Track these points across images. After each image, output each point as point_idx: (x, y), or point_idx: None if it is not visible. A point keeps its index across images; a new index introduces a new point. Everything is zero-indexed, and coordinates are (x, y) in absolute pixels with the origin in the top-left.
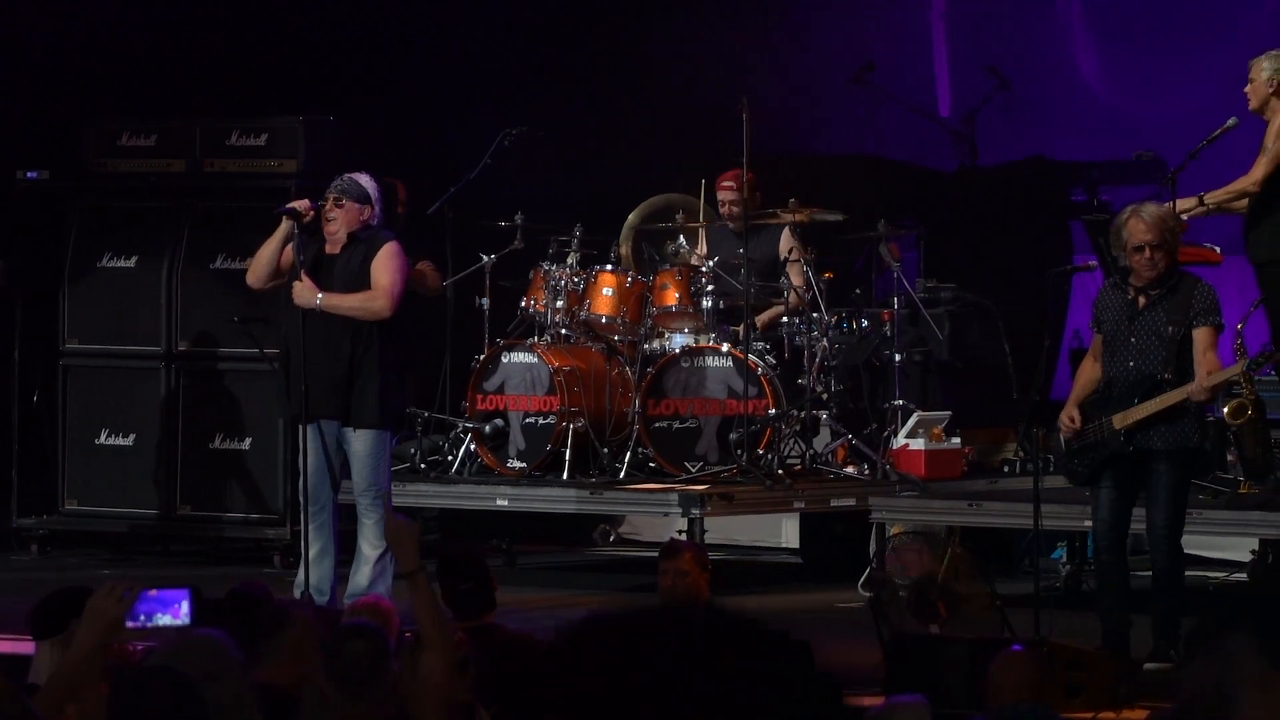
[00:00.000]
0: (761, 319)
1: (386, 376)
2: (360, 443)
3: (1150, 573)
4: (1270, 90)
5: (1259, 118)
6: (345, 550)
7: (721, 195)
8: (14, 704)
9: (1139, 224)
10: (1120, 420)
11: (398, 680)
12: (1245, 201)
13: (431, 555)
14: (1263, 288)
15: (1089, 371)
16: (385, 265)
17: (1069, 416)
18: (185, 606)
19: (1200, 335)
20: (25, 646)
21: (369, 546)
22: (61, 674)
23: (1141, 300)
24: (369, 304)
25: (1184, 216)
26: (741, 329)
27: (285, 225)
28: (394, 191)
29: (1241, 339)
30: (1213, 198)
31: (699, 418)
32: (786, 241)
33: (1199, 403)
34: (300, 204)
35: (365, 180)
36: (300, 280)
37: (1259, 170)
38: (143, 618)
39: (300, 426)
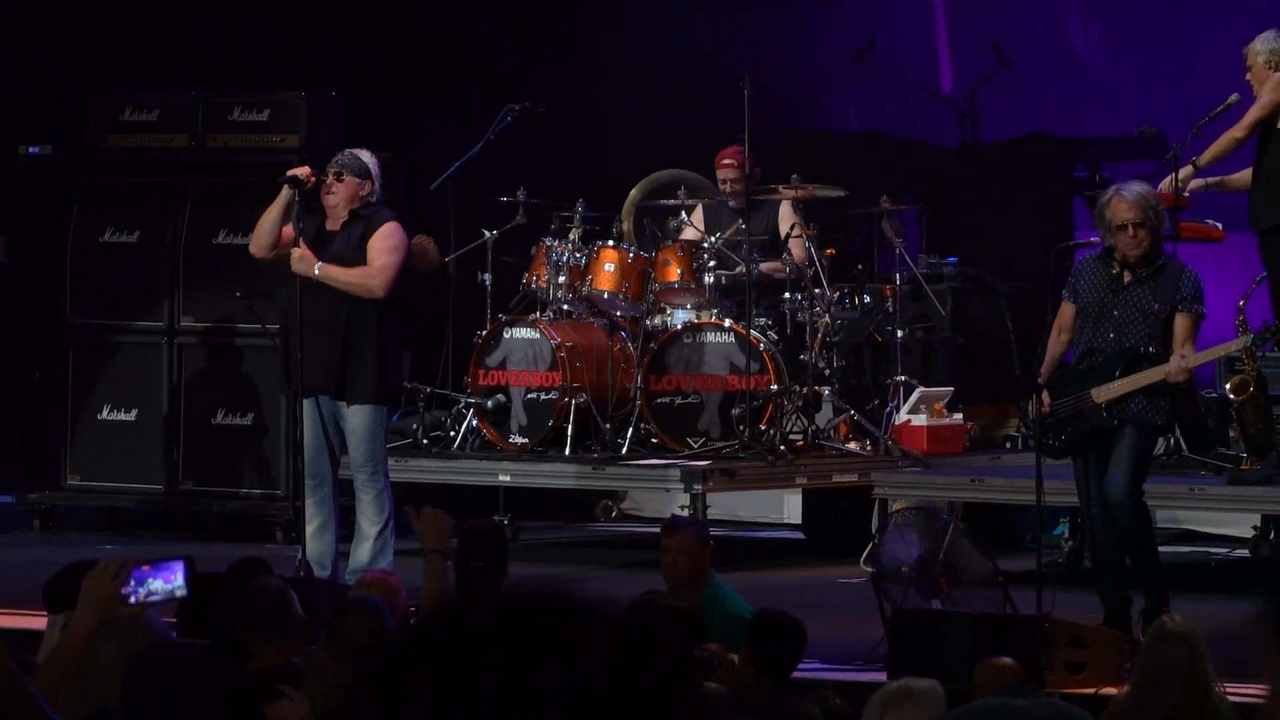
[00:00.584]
0: (768, 266)
1: (384, 352)
2: (356, 418)
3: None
4: (1270, 70)
5: None
6: (348, 525)
7: (721, 173)
8: (14, 688)
9: (1121, 203)
10: (1101, 394)
11: None
12: (1246, 177)
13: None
14: (1263, 255)
15: (1055, 346)
16: (383, 245)
17: (1039, 399)
18: (180, 576)
19: (1182, 321)
20: (30, 622)
21: (368, 522)
22: (61, 653)
23: (1127, 276)
24: (365, 282)
25: (1186, 193)
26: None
27: (286, 193)
28: (390, 166)
29: (1243, 315)
30: (1204, 158)
31: (701, 393)
32: (788, 217)
33: (1174, 384)
34: (301, 171)
35: (365, 155)
36: (299, 248)
37: (1249, 116)
38: (140, 590)
39: (297, 400)
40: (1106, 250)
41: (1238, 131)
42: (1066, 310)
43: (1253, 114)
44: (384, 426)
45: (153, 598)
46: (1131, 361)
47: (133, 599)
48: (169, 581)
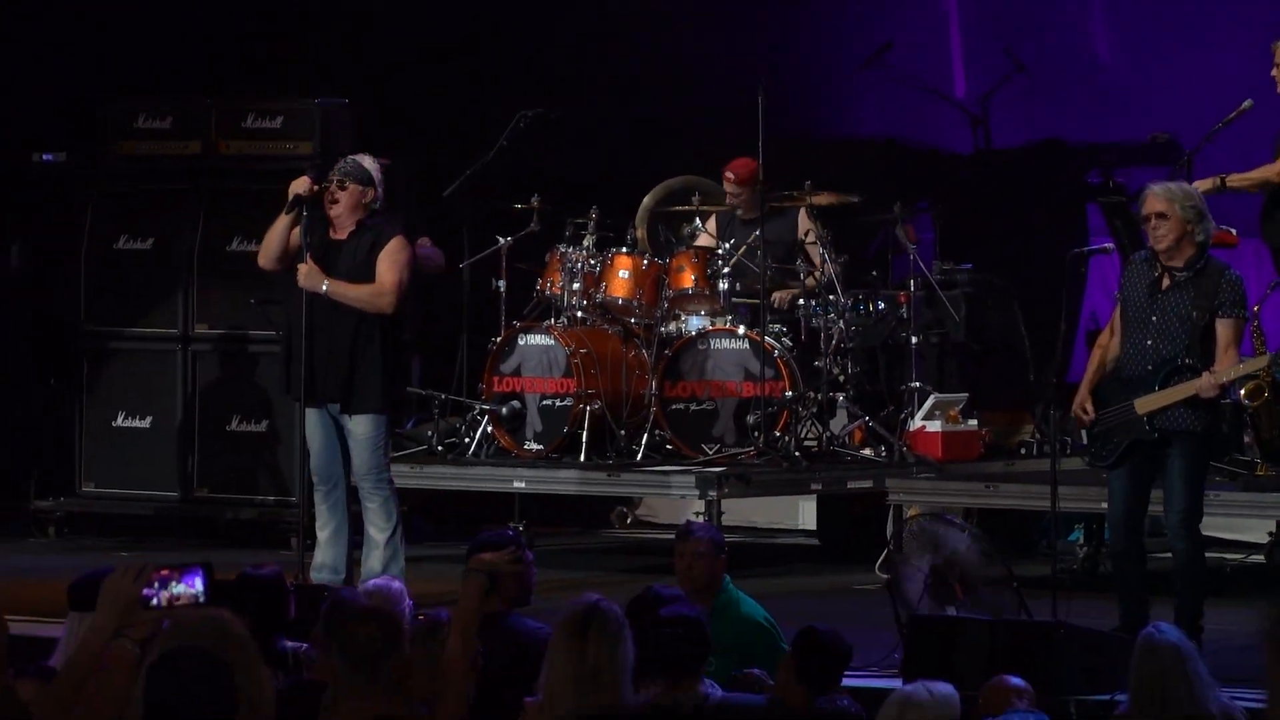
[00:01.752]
0: (778, 297)
1: (388, 363)
2: (360, 426)
3: (1169, 554)
4: None
5: None
6: (361, 530)
7: (726, 186)
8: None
9: (1151, 195)
10: (1142, 405)
11: (409, 663)
12: (1259, 175)
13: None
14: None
15: (1105, 349)
16: (392, 261)
17: (1082, 408)
18: (200, 583)
19: (1225, 328)
20: (48, 630)
21: (376, 530)
22: (81, 657)
23: (1166, 280)
24: (375, 300)
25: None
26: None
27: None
28: (391, 171)
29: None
30: (1234, 181)
31: (716, 400)
32: (804, 224)
33: (1207, 399)
34: (301, 185)
35: (368, 162)
36: (306, 263)
37: None
38: (161, 594)
39: (300, 408)
40: (1153, 251)
41: (1275, 176)
42: (1118, 313)
43: None
44: (388, 433)
45: (173, 603)
46: (1171, 372)
47: (154, 602)
48: (189, 587)
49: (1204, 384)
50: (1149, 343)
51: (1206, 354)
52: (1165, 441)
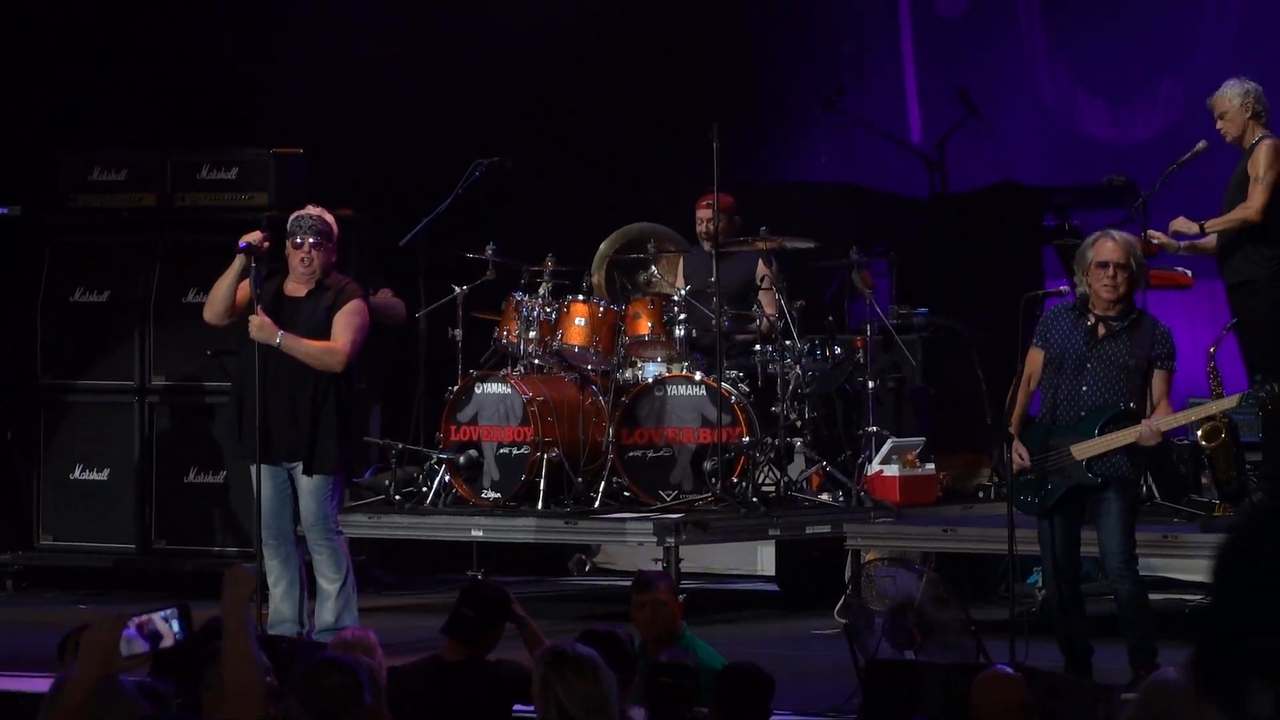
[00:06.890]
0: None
1: (343, 423)
2: (311, 481)
3: (1112, 596)
4: (1247, 115)
5: (1238, 147)
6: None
7: (700, 214)
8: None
9: (1109, 242)
10: (1081, 451)
11: (373, 714)
12: (1214, 240)
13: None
14: (1234, 309)
15: (1025, 395)
16: (348, 323)
17: (1018, 454)
18: (176, 624)
19: (1160, 379)
20: (13, 683)
21: (326, 581)
22: (64, 711)
23: (1101, 329)
24: (326, 357)
25: (1154, 241)
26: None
27: (240, 259)
28: (355, 222)
29: (1214, 362)
30: (1213, 225)
31: (673, 446)
32: (760, 269)
33: (1145, 446)
34: (254, 236)
35: (328, 216)
36: (258, 315)
37: (1257, 199)
38: (139, 641)
39: (253, 466)
40: (1081, 299)
41: (1253, 215)
42: (1036, 357)
43: (1261, 197)
44: (338, 486)
45: (153, 644)
46: (1112, 418)
47: (133, 649)
48: (166, 629)
49: (1145, 432)
50: (1084, 389)
51: (1140, 403)
52: (1103, 486)
